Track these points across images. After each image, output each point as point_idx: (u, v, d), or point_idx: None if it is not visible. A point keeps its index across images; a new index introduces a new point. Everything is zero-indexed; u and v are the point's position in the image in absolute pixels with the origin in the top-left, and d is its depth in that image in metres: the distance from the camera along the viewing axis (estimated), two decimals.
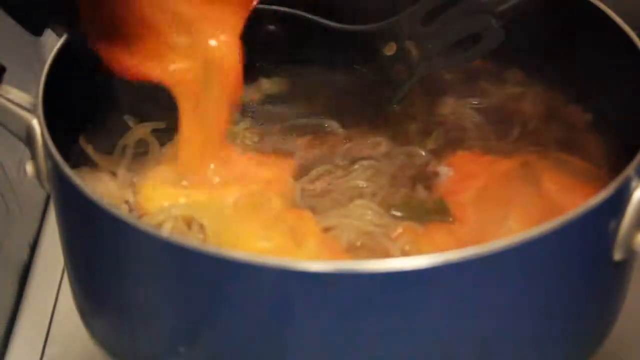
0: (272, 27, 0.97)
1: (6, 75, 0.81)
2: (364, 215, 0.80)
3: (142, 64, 0.81)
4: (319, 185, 0.83)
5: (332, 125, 0.90)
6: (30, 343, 0.99)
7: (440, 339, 0.70)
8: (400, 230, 0.78)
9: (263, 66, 0.97)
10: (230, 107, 0.83)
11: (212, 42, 0.82)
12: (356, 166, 0.86)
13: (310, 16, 0.95)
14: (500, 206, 0.81)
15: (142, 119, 0.88)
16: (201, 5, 0.81)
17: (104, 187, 0.82)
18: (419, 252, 0.76)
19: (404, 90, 0.93)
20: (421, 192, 0.83)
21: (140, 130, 0.86)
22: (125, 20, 0.79)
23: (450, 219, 0.80)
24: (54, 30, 0.90)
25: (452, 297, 0.68)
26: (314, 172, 0.85)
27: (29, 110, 0.79)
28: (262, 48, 0.97)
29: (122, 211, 0.71)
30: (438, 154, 0.87)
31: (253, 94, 0.95)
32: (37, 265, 1.09)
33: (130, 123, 0.88)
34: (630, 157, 0.74)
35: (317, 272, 0.66)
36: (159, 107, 0.91)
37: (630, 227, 0.72)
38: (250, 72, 0.96)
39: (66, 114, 0.84)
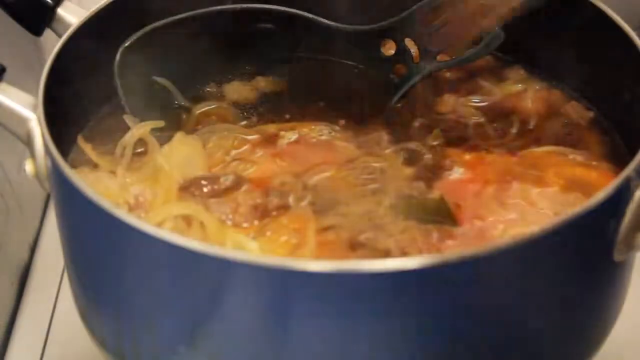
0: (271, 26, 0.97)
1: (6, 75, 0.81)
2: (364, 214, 0.80)
3: None
4: (319, 184, 0.83)
5: (331, 123, 0.90)
6: (30, 343, 0.99)
7: (440, 339, 0.70)
8: (400, 229, 0.78)
9: (261, 64, 0.97)
10: None
11: None
12: (356, 164, 0.86)
13: (310, 16, 0.95)
14: (502, 205, 0.81)
15: (141, 118, 0.88)
16: None
17: (104, 187, 0.81)
18: (419, 252, 0.76)
19: (404, 90, 0.93)
20: (422, 191, 0.83)
21: (140, 130, 0.86)
22: None
23: (451, 219, 0.80)
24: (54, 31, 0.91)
25: (451, 297, 0.68)
26: (314, 171, 0.85)
27: (29, 110, 0.80)
28: (260, 46, 0.97)
29: (122, 211, 0.70)
30: (439, 152, 0.87)
31: (250, 92, 0.95)
32: (37, 265, 1.08)
33: (130, 123, 0.88)
34: (632, 154, 0.74)
35: (317, 272, 0.66)
36: (158, 106, 0.91)
37: (630, 227, 0.72)
38: (248, 70, 0.97)
39: (66, 114, 0.84)
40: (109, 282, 0.76)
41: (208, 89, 0.95)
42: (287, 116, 0.92)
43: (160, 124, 0.87)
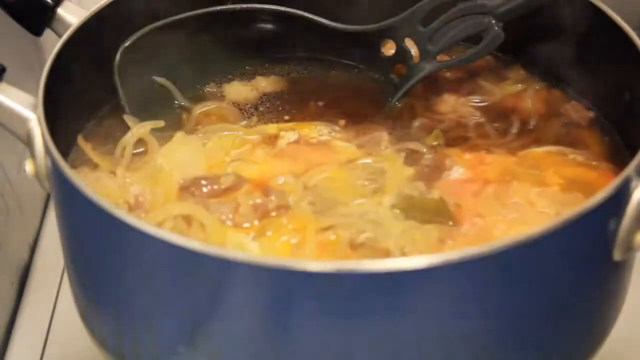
0: (271, 26, 0.97)
1: (6, 75, 0.81)
2: (364, 214, 0.80)
3: None
4: (319, 184, 0.83)
5: (331, 123, 0.90)
6: (30, 343, 0.99)
7: (440, 339, 0.70)
8: (400, 229, 0.78)
9: (261, 64, 0.97)
10: None
11: None
12: (356, 165, 0.86)
13: (310, 16, 0.95)
14: (502, 205, 0.81)
15: (141, 118, 0.88)
16: None
17: (104, 187, 0.82)
18: (419, 252, 0.76)
19: (404, 90, 0.93)
20: (422, 191, 0.83)
21: (140, 130, 0.86)
22: None
23: (451, 219, 0.80)
24: (54, 31, 0.91)
25: (452, 297, 0.68)
26: (314, 171, 0.85)
27: (29, 110, 0.80)
28: (260, 46, 0.97)
29: (122, 211, 0.71)
30: (439, 152, 0.87)
31: (250, 92, 0.95)
32: (37, 265, 1.09)
33: (130, 123, 0.88)
34: (632, 154, 0.74)
35: (317, 272, 0.66)
36: (157, 106, 0.91)
37: (630, 227, 0.72)
38: (248, 70, 0.97)
39: (66, 114, 0.84)
40: (109, 282, 0.76)
41: (208, 89, 0.95)
42: (287, 116, 0.92)
43: (160, 124, 0.87)
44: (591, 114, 0.91)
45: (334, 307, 0.67)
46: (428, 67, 0.92)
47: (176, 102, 0.93)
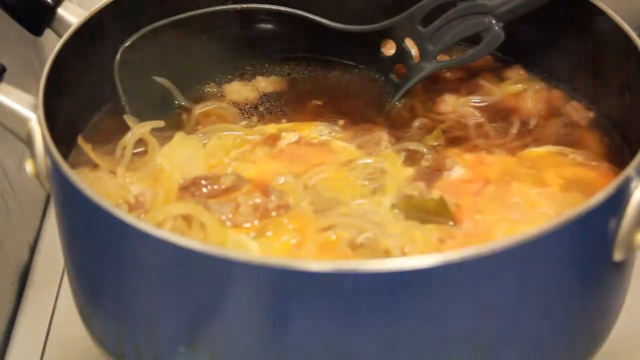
0: (271, 26, 0.97)
1: (6, 75, 0.81)
2: (364, 214, 0.80)
3: None
4: (319, 184, 0.83)
5: (331, 124, 0.90)
6: (30, 343, 0.99)
7: (440, 339, 0.70)
8: (400, 229, 0.78)
9: (261, 64, 0.97)
10: None
11: None
12: (356, 165, 0.86)
13: (310, 16, 0.95)
14: (502, 205, 0.81)
15: (141, 118, 0.88)
16: None
17: (104, 187, 0.82)
18: (419, 252, 0.76)
19: (404, 90, 0.93)
20: (422, 191, 0.83)
21: (140, 130, 0.86)
22: None
23: (451, 219, 0.80)
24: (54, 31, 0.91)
25: (452, 297, 0.68)
26: (314, 171, 0.85)
27: (29, 110, 0.80)
28: (260, 47, 0.97)
29: (122, 211, 0.71)
30: (439, 152, 0.87)
31: (250, 92, 0.95)
32: (37, 265, 1.08)
33: (130, 123, 0.88)
34: (632, 154, 0.74)
35: (317, 272, 0.66)
36: (158, 106, 0.91)
37: (630, 227, 0.72)
38: (248, 70, 0.97)
39: (66, 114, 0.84)
40: (109, 282, 0.76)
41: (208, 89, 0.95)
42: (287, 116, 0.92)
43: (160, 124, 0.87)
44: (591, 114, 0.91)
45: (334, 307, 0.67)
46: (428, 67, 0.92)
47: (176, 102, 0.93)
